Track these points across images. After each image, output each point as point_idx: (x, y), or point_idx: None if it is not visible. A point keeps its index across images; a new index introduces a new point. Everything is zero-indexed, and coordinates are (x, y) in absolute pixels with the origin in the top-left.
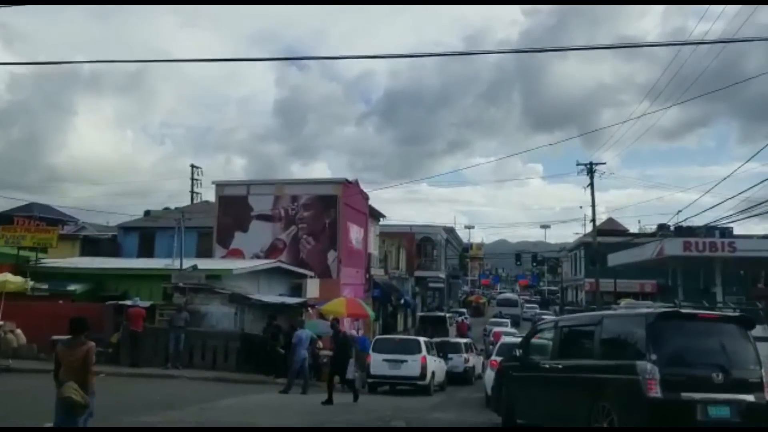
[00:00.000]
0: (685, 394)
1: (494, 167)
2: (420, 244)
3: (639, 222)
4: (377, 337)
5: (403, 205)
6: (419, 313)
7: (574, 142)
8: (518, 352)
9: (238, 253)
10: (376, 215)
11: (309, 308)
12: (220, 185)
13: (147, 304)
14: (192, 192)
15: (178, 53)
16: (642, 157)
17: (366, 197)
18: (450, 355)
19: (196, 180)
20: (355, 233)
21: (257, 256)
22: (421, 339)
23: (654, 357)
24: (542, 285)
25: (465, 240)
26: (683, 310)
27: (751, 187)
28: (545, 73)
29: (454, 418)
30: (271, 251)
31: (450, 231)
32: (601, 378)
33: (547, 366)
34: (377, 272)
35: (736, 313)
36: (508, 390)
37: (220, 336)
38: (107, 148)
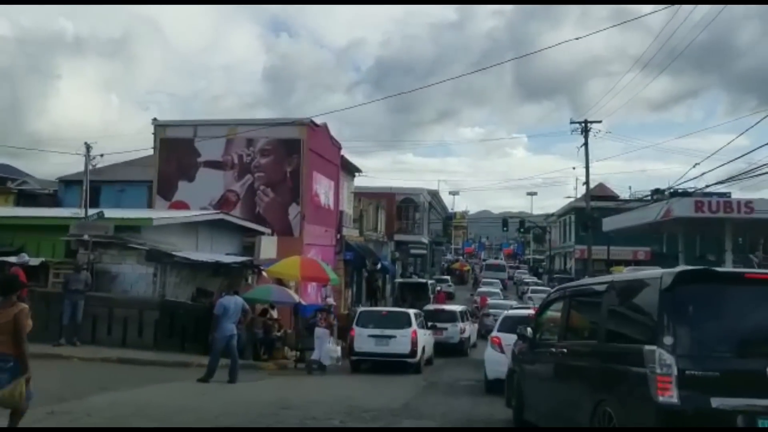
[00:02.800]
0: (718, 399)
1: (481, 138)
2: (401, 206)
3: (630, 188)
4: (362, 309)
5: (388, 174)
6: (397, 280)
7: (559, 115)
8: (528, 331)
9: (182, 206)
10: (350, 169)
11: (263, 271)
12: (160, 126)
13: (37, 261)
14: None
15: (162, 17)
16: (626, 129)
17: (338, 146)
18: (445, 325)
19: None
20: (323, 187)
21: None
22: (411, 311)
23: (669, 341)
24: (528, 254)
25: (449, 208)
26: (720, 269)
27: (736, 158)
28: (536, 43)
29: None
30: (223, 204)
31: (434, 195)
32: (605, 369)
33: (553, 350)
34: (351, 233)
35: None
36: (519, 379)
37: (133, 303)
38: (91, 114)
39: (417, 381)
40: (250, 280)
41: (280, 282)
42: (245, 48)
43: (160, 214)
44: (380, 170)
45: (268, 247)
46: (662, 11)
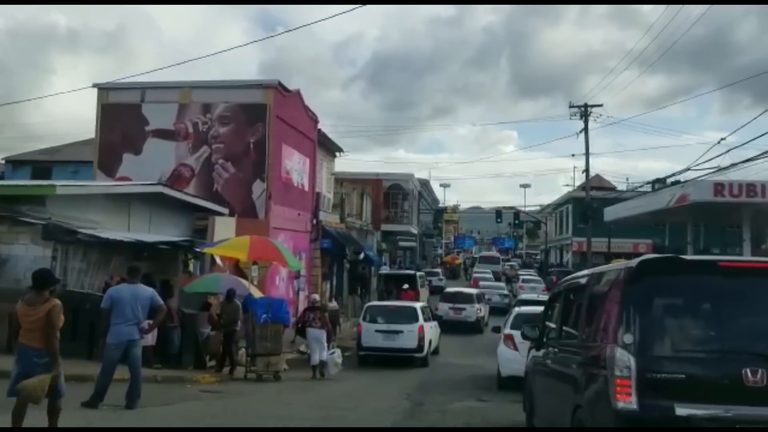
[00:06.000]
0: (683, 407)
1: (475, 135)
2: (388, 193)
3: (627, 179)
4: (369, 303)
5: (378, 167)
6: (381, 271)
7: (554, 112)
8: (533, 331)
9: None
10: (330, 148)
11: (201, 251)
12: (102, 89)
13: None
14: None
15: (156, 11)
16: (619, 125)
17: (315, 119)
18: (464, 306)
19: None
20: (295, 163)
21: None
22: (417, 305)
23: (629, 339)
24: (520, 248)
25: (440, 202)
26: (689, 257)
27: (721, 154)
28: (534, 39)
29: None
30: (175, 180)
31: (424, 184)
32: (580, 372)
33: (550, 350)
34: (330, 219)
35: None
36: (529, 381)
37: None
38: (84, 107)
39: (405, 392)
40: (192, 268)
41: (239, 271)
42: (240, 41)
43: (72, 182)
44: (373, 166)
45: (224, 229)
46: (661, 8)
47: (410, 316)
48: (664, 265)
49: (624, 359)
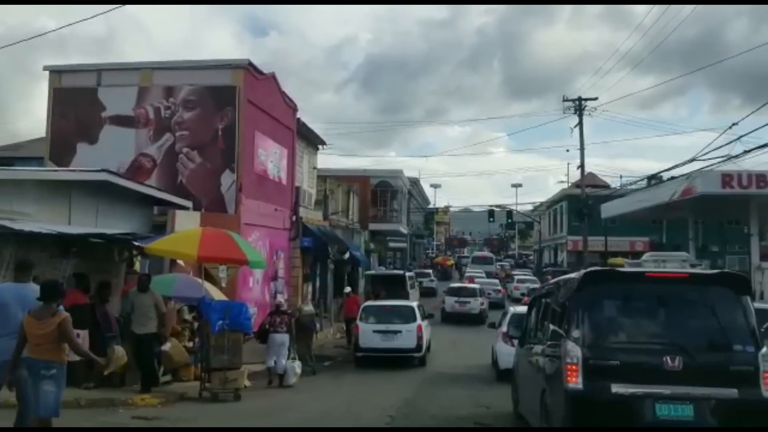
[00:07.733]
0: (618, 386)
1: (466, 137)
2: (376, 191)
3: (621, 177)
4: (366, 303)
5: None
6: (368, 272)
7: (546, 111)
8: (511, 329)
9: None
10: (312, 140)
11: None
12: (55, 72)
13: None
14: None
15: (145, 14)
16: (609, 125)
17: (293, 107)
18: (468, 299)
19: None
20: (271, 154)
21: None
22: (415, 304)
23: (576, 334)
24: (512, 249)
25: (431, 203)
26: (622, 269)
27: (709, 151)
28: (526, 41)
29: None
30: (135, 171)
31: (414, 183)
32: (546, 363)
33: (528, 346)
34: (312, 216)
35: (716, 271)
36: (515, 374)
37: None
38: None
39: (389, 414)
40: (138, 267)
41: (205, 272)
42: (230, 45)
43: None
44: (358, 165)
45: (186, 224)
46: (651, 8)
47: (408, 315)
48: (603, 275)
49: (573, 350)
